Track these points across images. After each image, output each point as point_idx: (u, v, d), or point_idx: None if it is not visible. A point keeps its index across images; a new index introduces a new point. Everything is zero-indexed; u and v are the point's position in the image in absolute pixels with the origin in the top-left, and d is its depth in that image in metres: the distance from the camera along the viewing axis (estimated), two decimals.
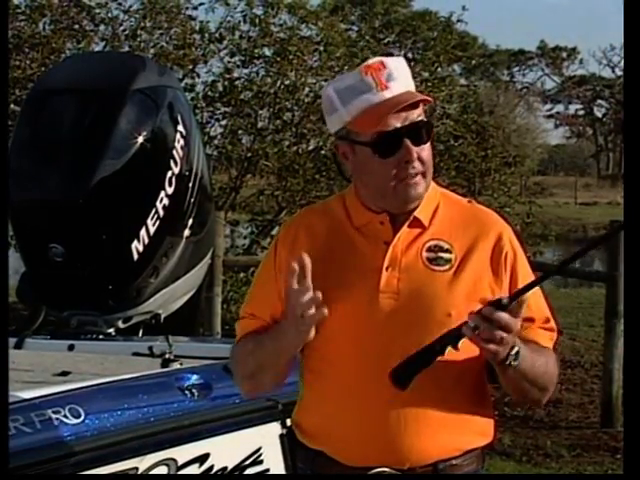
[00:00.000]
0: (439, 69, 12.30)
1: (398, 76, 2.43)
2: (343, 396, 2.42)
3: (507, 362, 2.32)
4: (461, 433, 2.44)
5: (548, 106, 69.87)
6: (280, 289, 2.46)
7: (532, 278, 2.51)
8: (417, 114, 2.43)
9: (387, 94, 2.40)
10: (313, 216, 2.59)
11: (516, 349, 2.32)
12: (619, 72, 64.15)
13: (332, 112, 2.48)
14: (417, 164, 2.42)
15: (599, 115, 69.80)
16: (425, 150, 2.45)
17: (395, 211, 2.46)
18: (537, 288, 2.49)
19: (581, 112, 71.41)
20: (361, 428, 2.38)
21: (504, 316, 2.24)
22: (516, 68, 68.98)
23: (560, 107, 70.88)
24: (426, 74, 11.69)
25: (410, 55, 13.68)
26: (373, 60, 2.49)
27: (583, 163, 68.12)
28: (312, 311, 2.29)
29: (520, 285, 2.42)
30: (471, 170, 12.13)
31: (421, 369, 2.32)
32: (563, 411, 7.85)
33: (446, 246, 2.45)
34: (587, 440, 7.15)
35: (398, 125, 2.39)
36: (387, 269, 2.42)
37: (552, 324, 2.53)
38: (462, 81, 16.31)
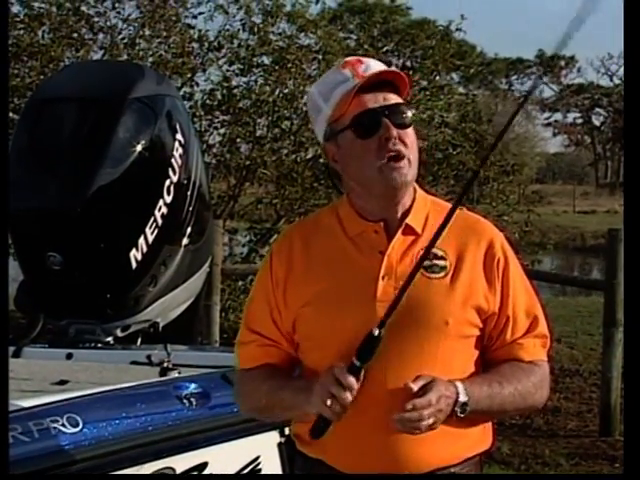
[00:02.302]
0: (437, 78, 12.33)
1: (376, 68, 2.44)
2: None
3: (454, 416, 2.34)
4: (459, 440, 2.43)
5: (546, 114, 70.09)
6: (278, 303, 2.49)
7: (525, 283, 2.52)
8: (396, 98, 2.43)
9: (362, 81, 2.41)
10: (306, 229, 2.58)
11: (462, 400, 2.34)
12: (617, 80, 64.31)
13: (318, 113, 2.49)
14: (399, 144, 2.40)
15: (597, 123, 69.93)
16: (408, 135, 2.43)
17: (380, 209, 2.45)
18: (525, 291, 2.50)
19: (579, 120, 71.54)
20: (358, 436, 2.37)
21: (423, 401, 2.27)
22: (514, 76, 69.09)
23: (558, 115, 71.10)
24: (424, 83, 11.71)
25: (408, 64, 13.67)
26: (351, 57, 2.53)
27: (581, 171, 68.17)
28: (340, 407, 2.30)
29: (511, 292, 2.45)
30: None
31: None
32: (561, 420, 7.85)
33: (440, 253, 2.44)
34: (585, 449, 7.14)
35: (376, 105, 2.40)
36: (383, 278, 2.41)
37: (541, 329, 2.51)
38: (460, 89, 16.31)
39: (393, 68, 2.47)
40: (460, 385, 2.35)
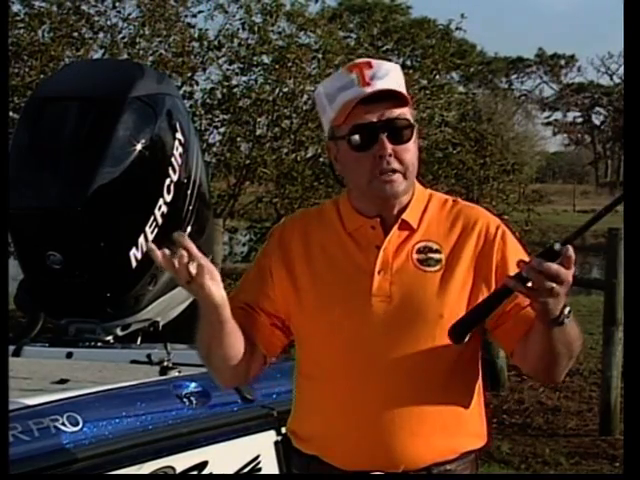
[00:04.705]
0: (437, 77, 12.35)
1: (384, 77, 2.42)
2: (336, 400, 2.42)
3: (560, 319, 2.25)
4: (456, 435, 2.44)
5: (546, 113, 70.09)
6: (271, 286, 2.50)
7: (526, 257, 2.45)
8: (398, 113, 2.41)
9: (368, 90, 2.40)
10: (308, 220, 2.60)
11: (568, 307, 2.26)
12: (617, 79, 64.30)
13: (323, 112, 2.51)
14: (393, 161, 2.39)
15: (597, 123, 69.94)
16: (407, 151, 2.42)
17: (377, 210, 2.46)
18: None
19: (579, 120, 71.56)
20: (355, 431, 2.38)
21: (553, 266, 2.17)
22: (514, 76, 69.12)
23: (558, 115, 71.09)
24: (424, 82, 11.72)
25: (409, 63, 13.68)
26: (361, 59, 2.52)
27: (581, 170, 68.21)
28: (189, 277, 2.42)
29: (511, 272, 2.35)
30: (470, 178, 12.19)
31: (476, 324, 2.29)
32: (561, 419, 7.85)
33: (435, 246, 2.46)
34: (585, 448, 7.15)
35: (374, 119, 2.39)
36: (379, 273, 2.42)
37: None
38: (460, 89, 16.37)
39: (396, 87, 2.41)
40: None
